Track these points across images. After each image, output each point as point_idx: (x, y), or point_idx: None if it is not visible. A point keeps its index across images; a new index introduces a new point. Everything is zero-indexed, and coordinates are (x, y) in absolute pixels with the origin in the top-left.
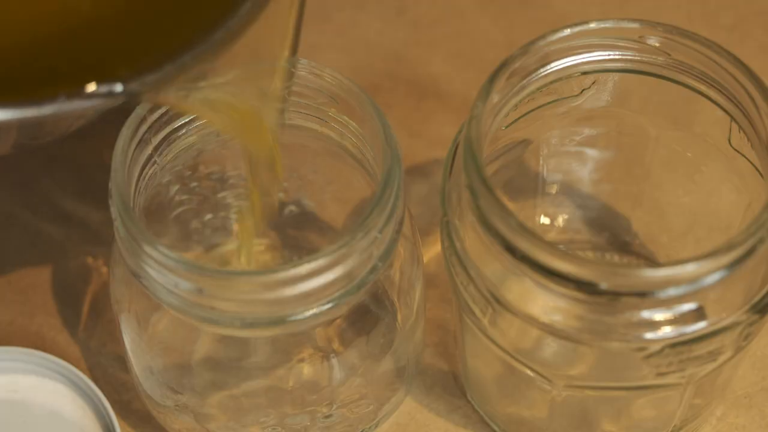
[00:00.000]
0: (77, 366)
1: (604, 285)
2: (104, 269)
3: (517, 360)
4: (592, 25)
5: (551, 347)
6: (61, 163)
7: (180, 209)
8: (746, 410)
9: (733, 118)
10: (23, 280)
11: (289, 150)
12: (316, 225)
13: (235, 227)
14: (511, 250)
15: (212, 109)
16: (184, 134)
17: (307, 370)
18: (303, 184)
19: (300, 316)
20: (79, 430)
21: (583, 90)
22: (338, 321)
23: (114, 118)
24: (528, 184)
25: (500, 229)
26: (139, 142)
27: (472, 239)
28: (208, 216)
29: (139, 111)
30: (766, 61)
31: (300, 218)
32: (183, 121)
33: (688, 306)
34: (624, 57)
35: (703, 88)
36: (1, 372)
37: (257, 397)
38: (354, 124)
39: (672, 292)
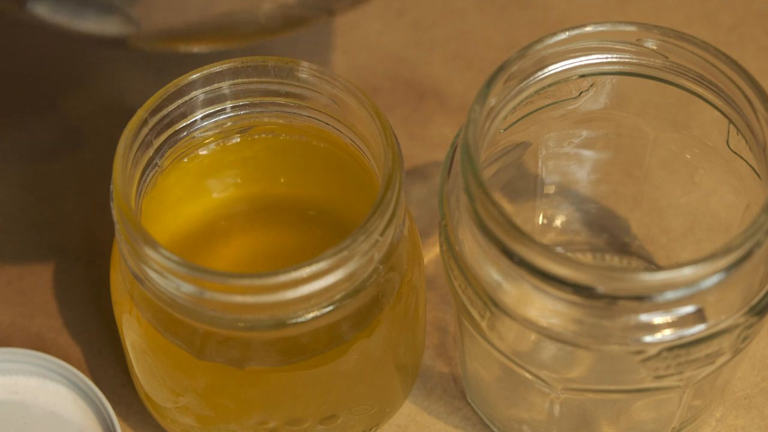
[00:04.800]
0: (78, 367)
1: (601, 289)
2: (105, 270)
3: (515, 363)
4: (589, 29)
5: (549, 350)
6: (62, 163)
7: None
8: (746, 411)
9: (730, 121)
10: (23, 281)
11: (291, 151)
12: (319, 226)
13: None
14: (508, 254)
15: None
16: (185, 137)
17: (308, 372)
18: (304, 185)
19: (301, 319)
20: (80, 431)
21: (581, 93)
22: (339, 323)
23: (116, 118)
24: (527, 186)
25: (497, 233)
26: (141, 144)
27: (470, 243)
28: None
29: (141, 113)
30: (766, 62)
31: (302, 219)
32: (185, 124)
33: (686, 309)
34: (621, 60)
35: (700, 90)
36: (1, 373)
37: (258, 400)
38: (354, 126)
39: (670, 295)
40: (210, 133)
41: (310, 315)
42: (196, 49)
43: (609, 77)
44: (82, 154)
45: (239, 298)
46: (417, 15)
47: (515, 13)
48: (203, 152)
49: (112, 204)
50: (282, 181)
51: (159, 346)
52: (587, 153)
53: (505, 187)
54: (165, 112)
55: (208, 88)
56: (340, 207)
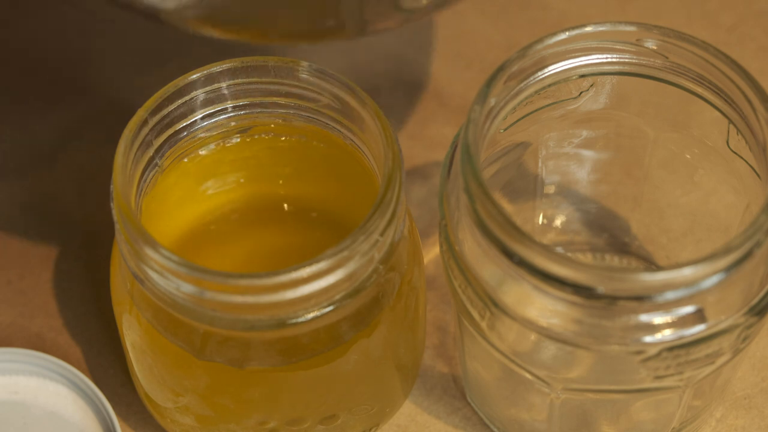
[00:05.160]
0: (78, 367)
1: (601, 289)
2: (105, 270)
3: (515, 363)
4: (589, 29)
5: (549, 350)
6: (62, 163)
7: None
8: (746, 411)
9: (730, 121)
10: (23, 281)
11: (291, 151)
12: (319, 226)
13: None
14: (508, 254)
15: None
16: (185, 137)
17: (308, 372)
18: (305, 185)
19: (301, 319)
20: (80, 431)
21: (581, 93)
22: (339, 323)
23: (116, 118)
24: (527, 186)
25: (497, 233)
26: (141, 144)
27: (470, 243)
28: None
29: (141, 113)
30: (766, 62)
31: (302, 219)
32: (185, 124)
33: (686, 309)
34: (621, 60)
35: (700, 90)
36: (1, 373)
37: (258, 400)
38: (354, 125)
39: (670, 295)
40: (210, 133)
41: (310, 315)
42: (226, 36)
43: (609, 77)
44: (82, 154)
45: (239, 298)
46: None
47: (515, 13)
48: (203, 152)
49: (112, 204)
50: (282, 181)
51: (159, 346)
52: (587, 153)
53: (505, 187)
54: (165, 112)
55: (208, 88)
56: (340, 207)
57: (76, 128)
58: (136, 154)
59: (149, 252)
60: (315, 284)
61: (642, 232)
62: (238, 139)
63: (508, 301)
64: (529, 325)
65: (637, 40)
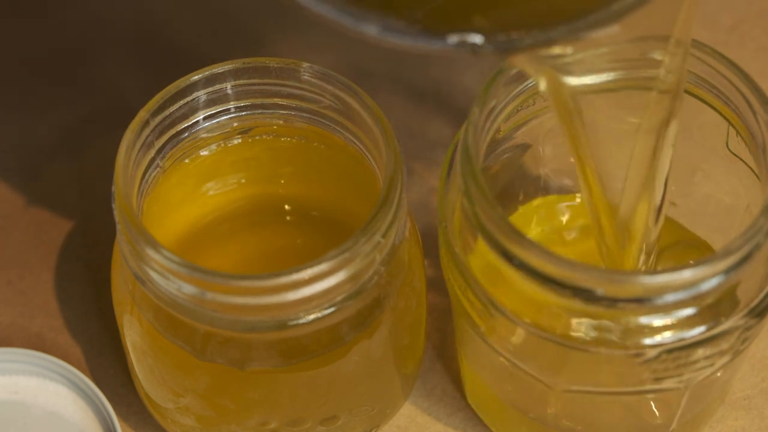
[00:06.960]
0: (78, 367)
1: (601, 291)
2: (105, 270)
3: (515, 365)
4: None
5: (549, 352)
6: (62, 163)
7: None
8: (746, 412)
9: (730, 123)
10: (23, 281)
11: (292, 152)
12: (320, 228)
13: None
14: (507, 256)
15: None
16: (187, 137)
17: (309, 373)
18: (306, 186)
19: (302, 320)
20: (80, 431)
21: None
22: (340, 324)
23: (117, 118)
24: (527, 188)
25: (496, 235)
26: (142, 145)
27: (469, 244)
28: None
29: (143, 114)
30: (766, 62)
31: (303, 221)
32: (186, 125)
33: (686, 311)
34: None
35: (700, 92)
36: (1, 373)
37: (259, 400)
38: (355, 127)
39: (669, 297)
40: (211, 134)
41: (312, 316)
42: None
43: None
44: (83, 154)
45: (240, 300)
46: None
47: None
48: (204, 153)
49: (113, 204)
50: (283, 182)
51: (160, 346)
52: None
53: (505, 189)
54: (167, 112)
55: (209, 89)
56: (341, 208)
57: (76, 128)
58: (137, 154)
59: (150, 253)
60: (316, 286)
61: None
62: (240, 140)
63: (508, 302)
64: (528, 327)
65: None
